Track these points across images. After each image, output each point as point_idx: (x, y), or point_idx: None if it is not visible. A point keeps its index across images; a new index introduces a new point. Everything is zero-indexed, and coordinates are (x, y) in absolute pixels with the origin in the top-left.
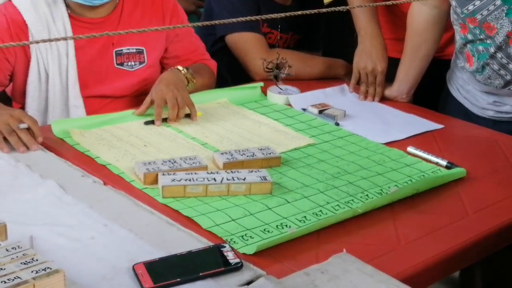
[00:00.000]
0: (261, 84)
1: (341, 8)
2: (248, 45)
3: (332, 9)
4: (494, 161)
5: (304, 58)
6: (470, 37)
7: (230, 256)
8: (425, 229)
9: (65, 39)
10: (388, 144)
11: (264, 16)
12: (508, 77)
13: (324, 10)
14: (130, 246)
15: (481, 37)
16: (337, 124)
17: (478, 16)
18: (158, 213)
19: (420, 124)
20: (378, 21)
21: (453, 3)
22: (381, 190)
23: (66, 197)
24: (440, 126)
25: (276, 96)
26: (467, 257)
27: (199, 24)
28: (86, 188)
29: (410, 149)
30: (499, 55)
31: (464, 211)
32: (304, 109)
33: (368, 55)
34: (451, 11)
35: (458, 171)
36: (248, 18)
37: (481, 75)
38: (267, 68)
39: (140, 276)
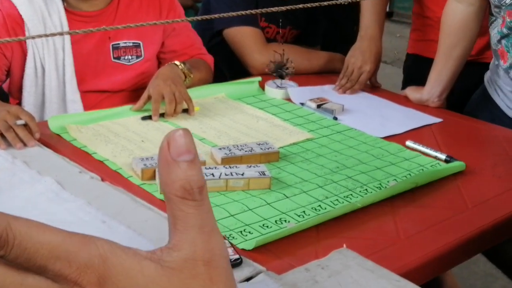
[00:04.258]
0: (259, 78)
1: (343, 0)
2: (246, 39)
3: (334, 1)
4: (493, 154)
5: (303, 53)
6: (505, 31)
7: (229, 252)
8: (425, 223)
9: (61, 34)
10: (387, 138)
11: (262, 10)
12: None
13: (325, 2)
14: (129, 243)
15: None
16: (336, 118)
17: None
18: (156, 209)
19: (419, 118)
20: (382, 24)
21: None
22: (380, 184)
23: (64, 194)
24: (438, 119)
25: (274, 90)
26: (468, 251)
27: (198, 18)
28: (83, 184)
29: (409, 143)
30: None
31: (464, 205)
32: (302, 104)
33: (361, 53)
34: (492, 6)
35: (457, 165)
36: (247, 12)
37: None
38: (270, 69)
39: None
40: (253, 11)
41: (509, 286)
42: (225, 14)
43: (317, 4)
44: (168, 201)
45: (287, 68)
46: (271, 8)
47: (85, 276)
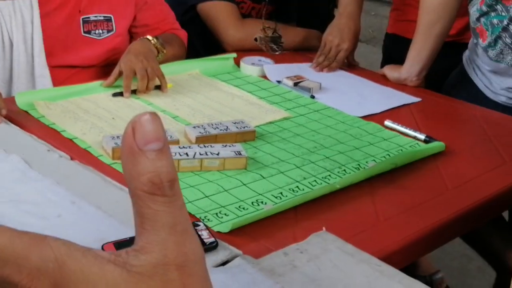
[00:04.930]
0: (234, 55)
1: None
2: (220, 14)
3: None
4: (472, 134)
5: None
6: (485, 8)
7: (205, 235)
8: (404, 205)
9: None
10: (365, 117)
11: None
12: None
13: None
14: (99, 225)
15: (497, 7)
16: (313, 97)
17: None
18: (128, 189)
19: (397, 97)
20: (361, 2)
21: None
22: (359, 165)
23: (31, 173)
24: (417, 99)
25: (250, 67)
26: (448, 233)
27: None
28: (52, 163)
29: (388, 122)
30: (511, 27)
31: (444, 186)
32: (278, 81)
33: (339, 31)
34: None
35: (437, 145)
36: None
37: (493, 50)
38: (263, 38)
39: None
40: None
41: (484, 266)
42: None
43: None
44: (134, 197)
45: (281, 42)
46: None
47: (38, 282)
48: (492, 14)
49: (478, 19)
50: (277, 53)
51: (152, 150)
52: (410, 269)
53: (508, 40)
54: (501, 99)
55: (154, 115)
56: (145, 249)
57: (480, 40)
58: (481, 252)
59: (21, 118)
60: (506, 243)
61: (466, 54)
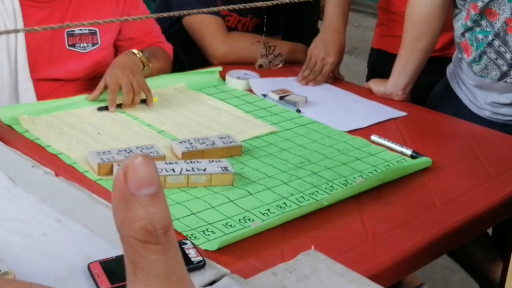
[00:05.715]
0: (220, 68)
1: None
2: (206, 28)
3: None
4: (458, 149)
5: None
6: (470, 24)
7: (192, 254)
8: (392, 222)
9: (17, 31)
10: (351, 132)
11: (230, 7)
12: (505, 68)
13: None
14: (85, 243)
15: (482, 23)
16: (299, 111)
17: (479, 3)
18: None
19: (383, 111)
20: (346, 16)
21: None
22: (346, 180)
23: (15, 190)
24: (403, 113)
25: (235, 81)
26: (436, 249)
27: (164, 15)
28: (37, 180)
29: (374, 137)
30: (496, 42)
31: (432, 203)
32: (264, 95)
33: (324, 45)
34: None
35: (424, 161)
36: (215, 9)
37: (478, 65)
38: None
39: (96, 276)
40: (220, 8)
41: (468, 279)
42: (195, 11)
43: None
44: (126, 245)
45: (281, 61)
46: (239, 5)
47: None
48: (477, 29)
49: (463, 34)
50: (279, 66)
51: (145, 195)
52: (395, 283)
53: (492, 56)
54: (486, 113)
55: (147, 157)
56: None
57: (465, 55)
58: (464, 265)
59: (4, 133)
60: (489, 257)
61: (450, 67)
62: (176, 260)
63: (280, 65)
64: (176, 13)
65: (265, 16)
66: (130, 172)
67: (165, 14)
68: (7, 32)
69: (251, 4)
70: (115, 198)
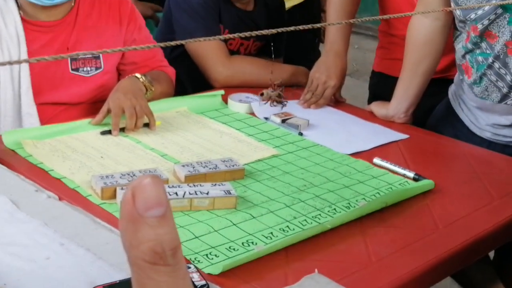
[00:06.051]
0: (222, 92)
1: (319, 25)
2: (208, 51)
3: (310, 26)
4: (460, 172)
5: (267, 65)
6: (470, 46)
7: (196, 278)
8: (396, 245)
9: (25, 61)
10: (354, 155)
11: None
12: (505, 90)
13: (301, 27)
14: (89, 267)
15: (482, 45)
16: (301, 134)
17: (479, 26)
18: (117, 231)
19: (385, 134)
20: (348, 39)
21: (457, 12)
22: (349, 203)
23: (19, 214)
24: (405, 136)
25: (237, 104)
26: (439, 272)
27: (171, 43)
28: (40, 204)
29: (376, 160)
30: (496, 64)
31: (435, 225)
32: (266, 118)
33: (326, 68)
34: (456, 21)
35: (427, 183)
36: (221, 37)
37: (479, 87)
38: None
39: None
40: (227, 36)
41: None
42: (201, 39)
43: (292, 28)
44: (134, 267)
45: (280, 103)
46: (244, 33)
47: None
48: (477, 51)
49: (463, 56)
50: (280, 106)
51: (153, 216)
52: None
53: (493, 78)
54: (487, 134)
55: (155, 178)
56: None
57: (466, 77)
58: (464, 286)
59: (8, 158)
60: (489, 278)
61: (452, 88)
62: (185, 281)
63: (277, 107)
64: (182, 42)
65: (271, 41)
66: (138, 193)
67: (172, 43)
68: (17, 62)
69: (257, 32)
70: (123, 219)
